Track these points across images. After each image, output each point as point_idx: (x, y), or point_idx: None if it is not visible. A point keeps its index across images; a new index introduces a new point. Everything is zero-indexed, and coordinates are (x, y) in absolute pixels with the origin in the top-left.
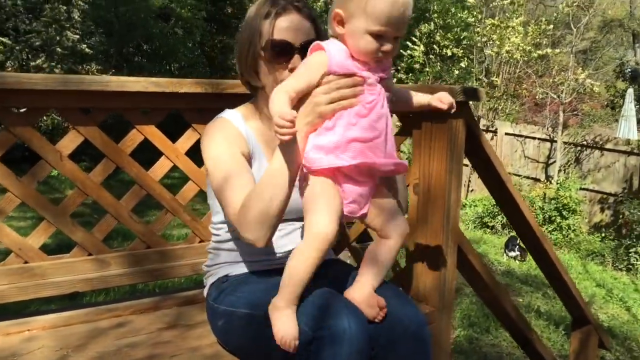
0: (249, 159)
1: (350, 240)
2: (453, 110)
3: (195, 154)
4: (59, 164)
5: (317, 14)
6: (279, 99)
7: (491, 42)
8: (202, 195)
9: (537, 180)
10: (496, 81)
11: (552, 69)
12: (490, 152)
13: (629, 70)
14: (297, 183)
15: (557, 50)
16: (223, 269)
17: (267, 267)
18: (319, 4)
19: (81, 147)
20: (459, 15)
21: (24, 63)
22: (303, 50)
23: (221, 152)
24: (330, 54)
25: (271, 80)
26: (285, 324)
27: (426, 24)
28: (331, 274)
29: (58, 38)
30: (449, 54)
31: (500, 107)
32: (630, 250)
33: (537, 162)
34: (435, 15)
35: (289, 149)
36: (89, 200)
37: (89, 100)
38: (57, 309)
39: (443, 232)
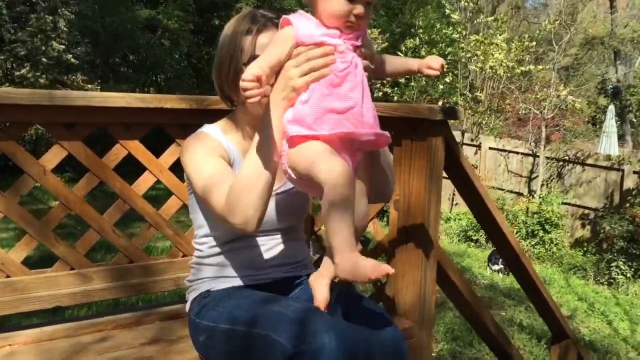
0: (231, 165)
1: (317, 227)
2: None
3: (178, 168)
4: (42, 178)
5: None
6: (250, 68)
7: (475, 58)
8: (186, 208)
9: (520, 194)
10: (480, 96)
11: (534, 85)
12: (469, 169)
13: (611, 87)
14: (274, 192)
15: (540, 67)
16: (205, 284)
17: (250, 282)
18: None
19: (65, 158)
20: (444, 31)
21: (8, 73)
22: None
23: (203, 162)
24: (297, 26)
25: None
26: (371, 264)
27: (411, 39)
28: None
29: (43, 48)
30: None
31: (484, 122)
32: (612, 265)
33: (520, 176)
34: (421, 30)
35: (266, 130)
36: (73, 212)
37: (73, 115)
38: (39, 324)
39: (423, 248)
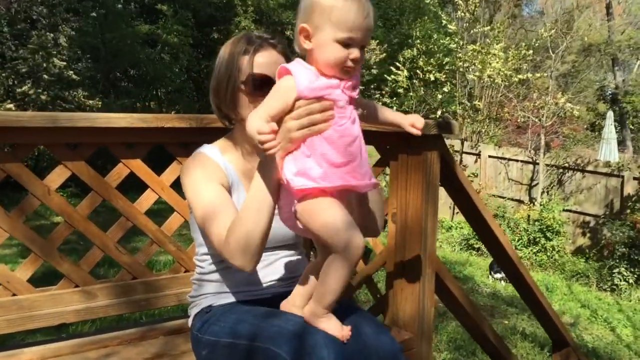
0: (229, 190)
1: None
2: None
3: (179, 185)
4: (46, 198)
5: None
6: (255, 120)
7: (473, 67)
8: (188, 223)
9: (520, 202)
10: (479, 105)
11: (532, 93)
12: (464, 181)
13: (610, 93)
14: (276, 210)
15: (538, 75)
16: (207, 300)
17: (250, 297)
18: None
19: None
20: (441, 41)
21: (10, 90)
22: None
23: (202, 187)
24: (297, 78)
25: (250, 111)
26: (334, 325)
27: (409, 50)
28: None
29: (45, 65)
30: (432, 78)
31: (483, 130)
32: (614, 271)
33: (521, 184)
34: (418, 41)
35: (267, 173)
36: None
37: (76, 136)
38: (43, 341)
39: (421, 259)
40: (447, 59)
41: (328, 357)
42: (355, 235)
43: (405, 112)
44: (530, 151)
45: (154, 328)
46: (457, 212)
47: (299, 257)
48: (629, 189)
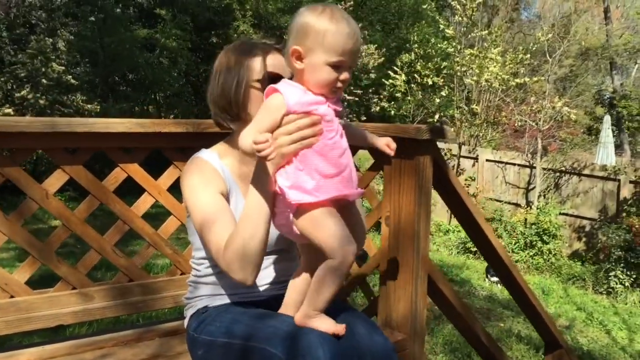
0: (227, 195)
1: None
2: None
3: (176, 189)
4: (45, 201)
5: None
6: (247, 136)
7: (470, 72)
8: (185, 227)
9: (517, 205)
10: (476, 109)
11: (530, 97)
12: (457, 186)
13: (607, 97)
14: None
15: (535, 79)
16: (202, 301)
17: (245, 299)
18: None
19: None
20: (439, 45)
21: (8, 94)
22: None
23: (199, 193)
24: (286, 95)
25: None
26: (327, 322)
27: (407, 54)
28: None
29: (43, 69)
30: (430, 82)
31: (481, 134)
32: (610, 274)
33: (518, 187)
34: (416, 45)
35: (262, 186)
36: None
37: (75, 141)
38: (40, 342)
39: (413, 262)
40: (444, 63)
41: (324, 356)
42: (352, 243)
43: (404, 117)
44: (527, 155)
45: (150, 330)
46: None
47: (293, 261)
48: (625, 192)
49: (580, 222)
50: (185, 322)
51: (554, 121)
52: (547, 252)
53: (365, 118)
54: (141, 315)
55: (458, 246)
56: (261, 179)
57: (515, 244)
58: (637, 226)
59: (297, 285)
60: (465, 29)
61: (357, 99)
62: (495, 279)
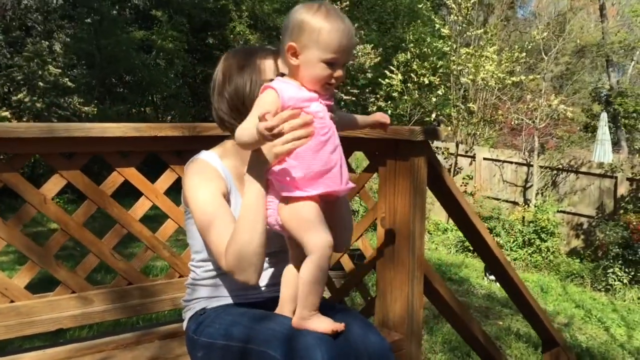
0: (227, 196)
1: None
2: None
3: (173, 192)
4: (43, 206)
5: None
6: (244, 129)
7: (467, 70)
8: (183, 228)
9: (515, 203)
10: (473, 107)
11: (526, 95)
12: (452, 186)
13: (604, 94)
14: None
15: (531, 77)
16: (200, 303)
17: (243, 300)
18: None
19: None
20: (435, 44)
21: (5, 97)
22: None
23: (201, 194)
24: (280, 91)
25: None
26: (324, 322)
27: (403, 54)
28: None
29: (40, 72)
30: (426, 82)
31: (478, 133)
32: (608, 271)
33: (515, 185)
34: (412, 44)
35: (257, 186)
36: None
37: (72, 145)
38: (41, 346)
39: (409, 262)
40: (441, 62)
41: (321, 357)
42: (326, 234)
43: (401, 116)
44: (524, 153)
45: (149, 332)
46: None
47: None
48: (622, 189)
49: (577, 219)
50: (184, 324)
51: (551, 119)
52: (545, 249)
53: None
54: (141, 317)
55: (456, 245)
56: (255, 178)
57: (513, 242)
58: (634, 223)
59: (289, 281)
60: (461, 28)
61: (354, 98)
62: (493, 277)
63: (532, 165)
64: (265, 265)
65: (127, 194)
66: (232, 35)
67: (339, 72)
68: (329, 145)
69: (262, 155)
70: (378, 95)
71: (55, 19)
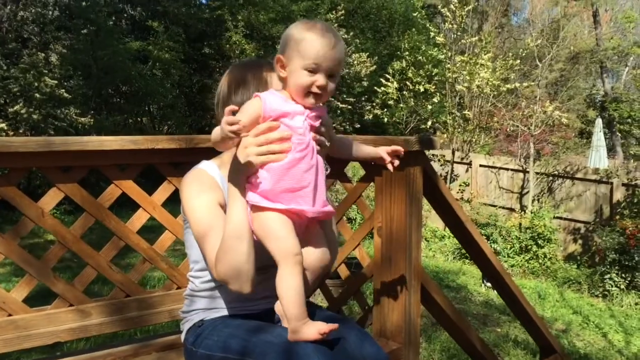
0: (225, 205)
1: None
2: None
3: (170, 204)
4: (41, 220)
5: None
6: (216, 129)
7: (462, 78)
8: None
9: (512, 210)
10: (469, 114)
11: (521, 101)
12: (447, 195)
13: (599, 100)
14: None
15: (525, 84)
16: (198, 315)
17: (240, 312)
18: None
19: None
20: (430, 52)
21: (2, 109)
22: None
23: (198, 205)
24: (264, 99)
25: None
26: (314, 327)
27: (398, 62)
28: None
29: (36, 84)
30: (422, 89)
31: (474, 140)
32: (605, 277)
33: (512, 192)
34: (407, 53)
35: (239, 199)
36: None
37: (69, 159)
38: (38, 359)
39: (406, 271)
40: (436, 70)
41: None
42: (291, 243)
43: (397, 123)
44: (520, 160)
45: (147, 344)
46: None
47: None
48: (618, 195)
49: (574, 225)
50: (182, 336)
51: (546, 125)
52: (543, 256)
53: (359, 125)
54: (138, 329)
55: (454, 252)
56: (235, 187)
57: (510, 248)
58: (630, 228)
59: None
60: (455, 35)
61: (350, 107)
62: (491, 284)
63: (528, 172)
64: (263, 277)
65: (125, 204)
66: (228, 45)
67: (320, 81)
68: (303, 164)
69: (239, 163)
70: (374, 103)
71: (51, 31)
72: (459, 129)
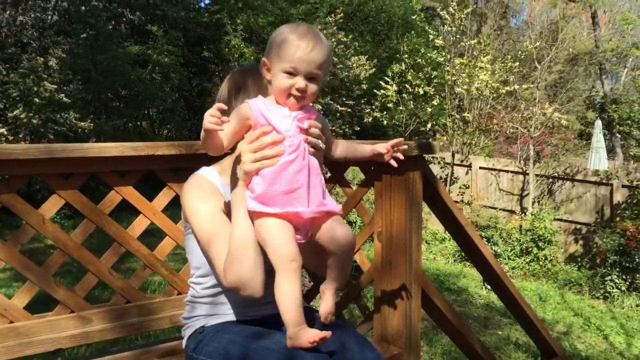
0: (227, 212)
1: None
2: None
3: (170, 209)
4: (41, 227)
5: None
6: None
7: (461, 80)
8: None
9: (512, 212)
10: (468, 117)
11: (520, 103)
12: (446, 199)
13: (598, 101)
14: None
15: (524, 86)
16: (200, 321)
17: (242, 318)
18: None
19: None
20: (429, 55)
21: (1, 114)
22: None
23: (202, 212)
24: (251, 103)
25: None
26: (310, 333)
27: (397, 64)
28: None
29: (36, 88)
30: (421, 92)
31: (474, 142)
32: (606, 279)
33: (512, 194)
34: (406, 55)
35: (242, 207)
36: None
37: (69, 166)
38: None
39: (406, 275)
40: (435, 73)
41: None
42: (288, 248)
43: (397, 126)
44: (520, 162)
45: (148, 350)
46: None
47: None
48: (618, 196)
49: (574, 227)
50: (184, 342)
51: (546, 127)
52: (543, 258)
53: (358, 128)
54: (139, 334)
55: (454, 254)
56: (240, 202)
57: (511, 250)
58: (631, 230)
59: None
60: (454, 38)
61: (349, 109)
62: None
63: (528, 174)
64: (267, 283)
65: (125, 208)
66: (227, 49)
67: (299, 84)
68: (294, 165)
69: (239, 173)
70: (374, 106)
71: (50, 35)
72: (459, 132)
